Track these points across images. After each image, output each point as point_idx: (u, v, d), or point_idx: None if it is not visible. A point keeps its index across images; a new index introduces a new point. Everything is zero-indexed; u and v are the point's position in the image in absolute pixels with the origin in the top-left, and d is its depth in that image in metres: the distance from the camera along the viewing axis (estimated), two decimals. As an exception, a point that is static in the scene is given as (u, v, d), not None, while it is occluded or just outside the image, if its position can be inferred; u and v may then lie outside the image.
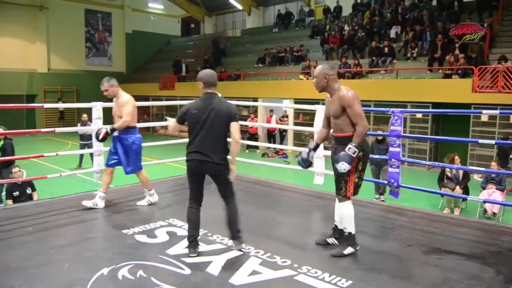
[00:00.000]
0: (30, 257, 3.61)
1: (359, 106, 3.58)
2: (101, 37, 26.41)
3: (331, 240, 3.92)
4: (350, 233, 3.71)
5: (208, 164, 3.60)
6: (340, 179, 3.68)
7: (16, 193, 6.70)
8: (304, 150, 3.99)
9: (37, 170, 10.76)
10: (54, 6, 23.72)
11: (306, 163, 3.98)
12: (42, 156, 6.14)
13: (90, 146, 11.29)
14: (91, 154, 11.40)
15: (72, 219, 4.66)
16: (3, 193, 7.37)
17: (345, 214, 3.71)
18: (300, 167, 4.08)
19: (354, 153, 3.49)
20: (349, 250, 3.70)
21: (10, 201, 6.63)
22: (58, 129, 6.50)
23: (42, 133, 22.91)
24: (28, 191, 6.85)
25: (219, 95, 3.78)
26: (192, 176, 3.70)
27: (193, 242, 3.66)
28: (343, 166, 3.48)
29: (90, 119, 11.47)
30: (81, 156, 11.93)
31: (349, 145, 3.51)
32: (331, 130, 3.87)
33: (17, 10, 22.53)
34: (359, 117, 3.56)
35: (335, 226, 3.91)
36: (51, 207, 5.05)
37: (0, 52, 21.84)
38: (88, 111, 5.91)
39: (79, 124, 11.69)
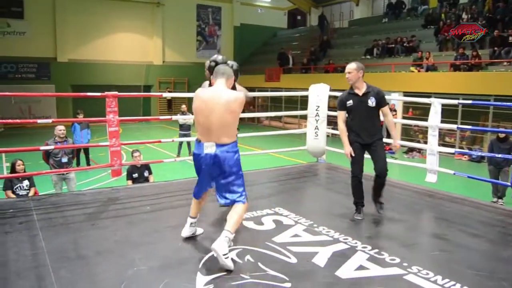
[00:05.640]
0: (148, 233, 3.91)
1: None
2: (211, 31, 27.60)
3: None
4: None
5: None
6: None
7: (135, 175, 7.26)
8: None
9: (151, 154, 11.62)
10: (169, 2, 25.28)
11: None
12: (160, 141, 6.65)
13: (188, 136, 11.96)
14: (189, 144, 12.26)
15: (185, 201, 4.89)
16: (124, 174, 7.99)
17: None
18: (409, 163, 3.91)
19: None
20: None
21: (130, 182, 7.21)
22: (175, 117, 6.93)
23: (159, 120, 25.03)
24: (146, 173, 7.39)
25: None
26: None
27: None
28: None
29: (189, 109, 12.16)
30: (180, 146, 12.50)
31: None
32: None
33: (136, 7, 24.46)
34: None
35: None
36: (166, 189, 5.41)
37: (122, 46, 24.08)
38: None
39: (178, 114, 12.40)
